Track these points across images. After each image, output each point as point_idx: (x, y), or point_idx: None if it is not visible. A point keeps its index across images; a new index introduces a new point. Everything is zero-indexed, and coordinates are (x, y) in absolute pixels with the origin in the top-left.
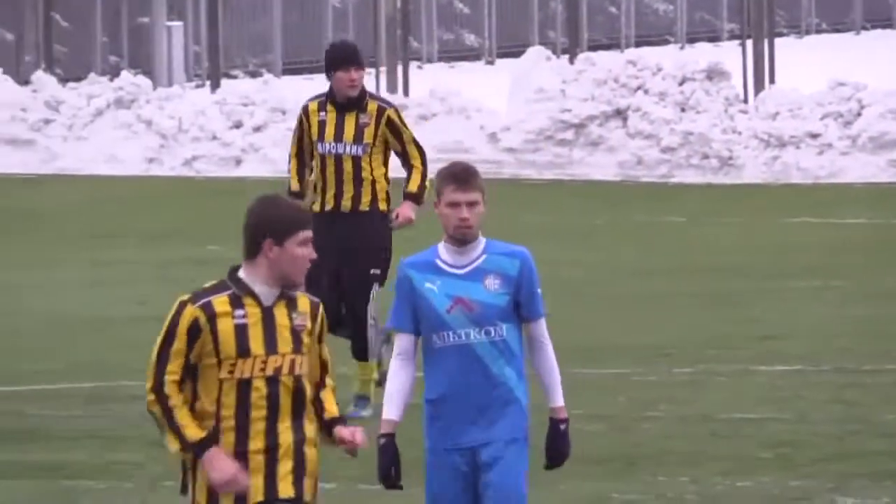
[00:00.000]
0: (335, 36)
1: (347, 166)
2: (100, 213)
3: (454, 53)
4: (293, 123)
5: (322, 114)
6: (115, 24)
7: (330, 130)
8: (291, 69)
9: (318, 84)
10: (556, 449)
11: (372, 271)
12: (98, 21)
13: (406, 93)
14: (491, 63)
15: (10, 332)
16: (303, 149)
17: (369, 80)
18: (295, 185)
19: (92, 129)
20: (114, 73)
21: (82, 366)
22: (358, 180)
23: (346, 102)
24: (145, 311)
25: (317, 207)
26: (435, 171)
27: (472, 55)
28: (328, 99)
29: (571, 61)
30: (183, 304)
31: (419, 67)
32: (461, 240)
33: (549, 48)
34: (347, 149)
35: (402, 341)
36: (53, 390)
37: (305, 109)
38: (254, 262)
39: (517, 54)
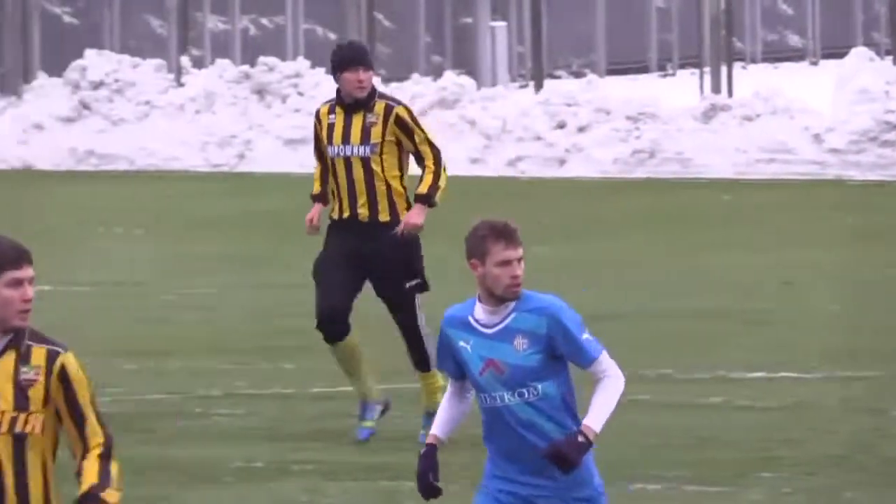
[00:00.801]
0: (659, 37)
1: (357, 168)
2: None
3: (778, 54)
4: (618, 124)
5: (331, 117)
6: (439, 24)
7: (338, 133)
8: (615, 69)
9: (642, 84)
10: (561, 445)
11: (408, 285)
12: (421, 21)
13: (730, 93)
14: (815, 64)
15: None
16: (323, 154)
17: (693, 80)
18: (317, 187)
19: None
20: (437, 73)
21: (406, 366)
22: (370, 184)
23: (353, 104)
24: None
25: (335, 214)
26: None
27: (795, 56)
28: (337, 101)
29: (895, 62)
30: None
31: (743, 68)
32: (510, 299)
33: (872, 49)
34: (355, 150)
35: (449, 384)
36: (378, 391)
37: (317, 113)
38: None
39: (840, 55)
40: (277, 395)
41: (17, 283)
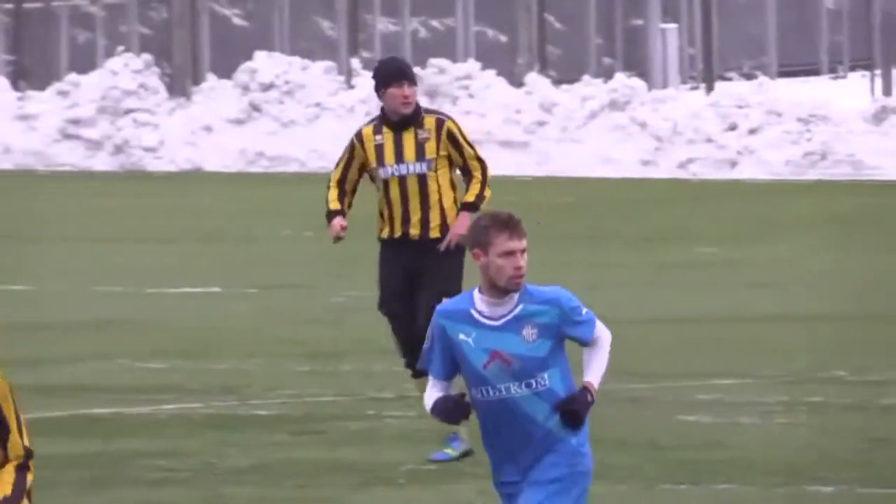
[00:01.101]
0: (830, 38)
1: (413, 187)
2: (593, 214)
3: None
4: (789, 126)
5: (378, 137)
6: (609, 25)
7: (389, 152)
8: (787, 71)
9: (813, 86)
10: (573, 401)
11: (444, 300)
12: (592, 23)
13: None
14: None
15: None
16: (346, 178)
17: (864, 82)
18: (335, 206)
19: (586, 131)
20: (608, 75)
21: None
22: (425, 202)
23: (400, 121)
24: (643, 313)
25: (385, 234)
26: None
27: None
28: (382, 121)
29: None
30: None
31: None
32: (513, 290)
33: None
34: (411, 168)
35: (434, 386)
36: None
37: (360, 135)
38: None
39: None
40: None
41: None
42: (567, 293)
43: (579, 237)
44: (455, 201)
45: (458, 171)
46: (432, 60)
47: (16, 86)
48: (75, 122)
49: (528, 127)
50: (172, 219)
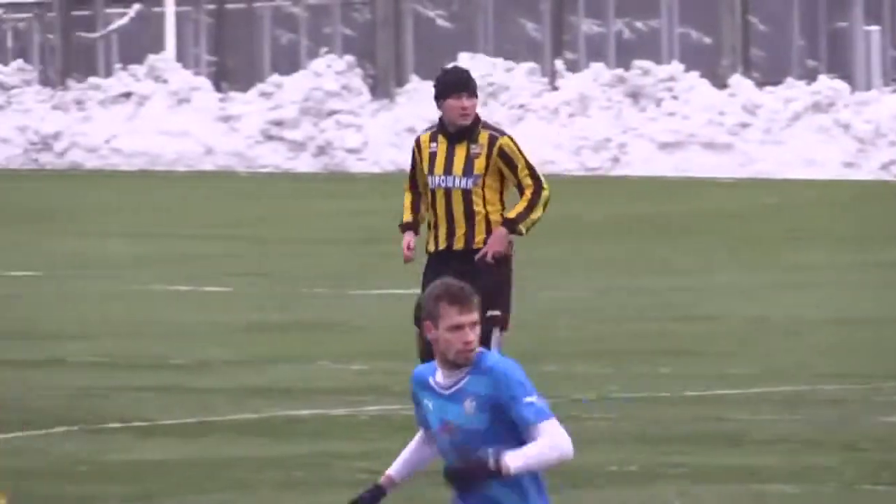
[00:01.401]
0: None
1: (457, 200)
2: (795, 216)
3: None
4: None
5: (433, 145)
6: (813, 27)
7: (440, 162)
8: None
9: None
10: (463, 465)
11: (489, 313)
12: (795, 24)
13: None
14: None
15: (713, 335)
16: (416, 182)
17: None
18: (407, 216)
19: (789, 133)
20: (811, 77)
21: (779, 369)
22: (470, 216)
23: (456, 133)
24: (845, 314)
25: (430, 247)
26: None
27: None
28: (439, 130)
29: None
30: None
31: None
32: (462, 364)
33: None
34: (456, 182)
35: (419, 435)
36: (751, 395)
37: (418, 141)
38: None
39: None
40: (651, 398)
41: None
42: (515, 369)
43: (782, 238)
44: (503, 216)
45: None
46: (636, 62)
47: (218, 87)
48: (278, 123)
49: (731, 129)
50: (375, 220)
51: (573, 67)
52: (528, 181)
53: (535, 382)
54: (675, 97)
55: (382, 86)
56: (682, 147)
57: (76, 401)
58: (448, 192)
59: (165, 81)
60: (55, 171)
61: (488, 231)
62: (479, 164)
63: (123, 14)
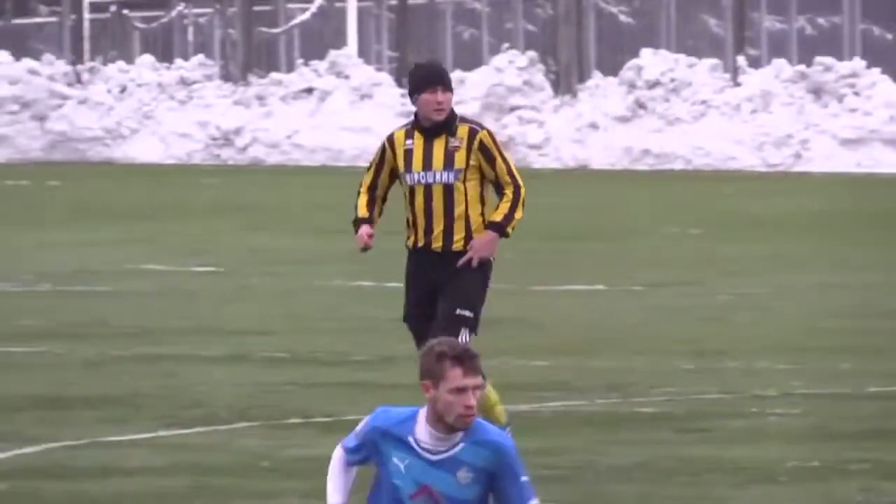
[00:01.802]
0: None
1: (438, 196)
2: None
3: None
4: None
5: (409, 142)
6: None
7: (417, 159)
8: None
9: None
10: None
11: (459, 311)
12: None
13: None
14: None
15: (895, 332)
16: (377, 184)
17: None
18: (363, 213)
19: None
20: None
21: None
22: (449, 213)
23: (432, 128)
24: None
25: (409, 243)
26: None
27: None
28: (414, 126)
29: None
30: None
31: None
32: (460, 429)
33: None
34: (437, 177)
35: (342, 455)
36: None
37: (391, 139)
38: None
39: None
40: (833, 394)
41: None
42: (512, 444)
43: None
44: (482, 216)
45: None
46: (818, 58)
47: (400, 83)
48: None
49: None
50: (557, 216)
51: (755, 63)
52: (507, 179)
53: (717, 378)
54: (856, 93)
55: (564, 82)
56: (864, 143)
57: (258, 396)
58: (428, 189)
59: (347, 77)
60: (236, 167)
61: (467, 231)
62: (460, 158)
63: (305, 9)
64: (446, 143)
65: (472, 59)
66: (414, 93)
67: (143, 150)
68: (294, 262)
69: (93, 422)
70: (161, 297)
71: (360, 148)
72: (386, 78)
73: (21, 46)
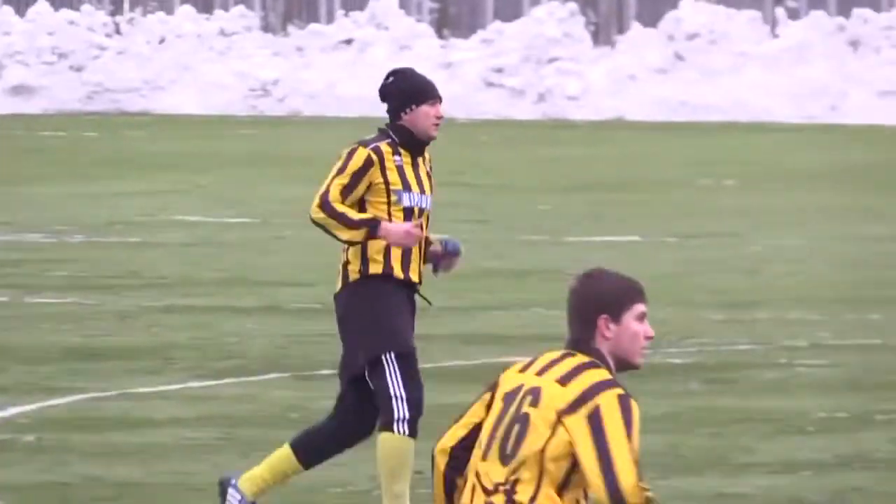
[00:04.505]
0: None
1: (426, 224)
2: None
3: None
4: None
5: (397, 158)
6: None
7: (412, 178)
8: None
9: None
10: None
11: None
12: None
13: None
14: None
15: None
16: (348, 194)
17: None
18: (364, 215)
19: None
20: None
21: None
22: (427, 243)
23: (420, 146)
24: None
25: (400, 273)
26: None
27: None
28: (402, 141)
29: None
30: None
31: None
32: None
33: None
34: (427, 202)
35: None
36: None
37: (379, 152)
38: None
39: None
40: (861, 345)
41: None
42: None
43: None
44: None
45: None
46: (856, 10)
47: (440, 34)
48: (498, 70)
49: None
50: (593, 167)
51: (794, 15)
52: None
53: (748, 329)
54: (894, 45)
55: (604, 33)
56: None
57: (289, 348)
58: (421, 213)
59: (387, 28)
60: (274, 118)
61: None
62: (432, 183)
63: None
64: (424, 164)
65: (512, 11)
66: (407, 105)
67: (181, 101)
68: None
69: (122, 373)
70: (194, 248)
71: None
72: (426, 29)
73: None
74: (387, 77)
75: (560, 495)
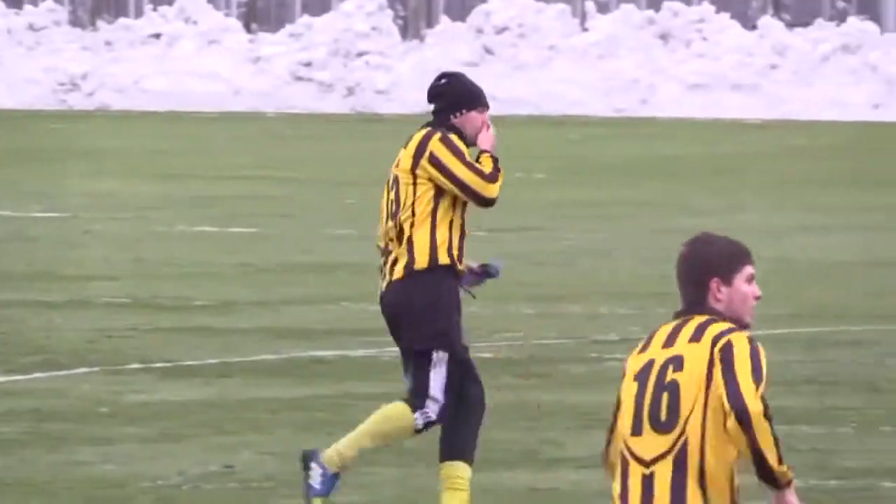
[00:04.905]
0: None
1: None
2: (825, 157)
3: None
4: None
5: None
6: None
7: None
8: None
9: None
10: None
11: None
12: None
13: None
14: None
15: None
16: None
17: None
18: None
19: (818, 74)
20: (840, 18)
21: (802, 310)
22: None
23: (467, 147)
24: (873, 256)
25: (453, 262)
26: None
27: None
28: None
29: None
30: None
31: None
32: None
33: None
34: None
35: None
36: (776, 335)
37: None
38: None
39: None
40: None
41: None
42: None
43: (811, 180)
44: None
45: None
46: (666, 3)
47: (248, 28)
48: (307, 64)
49: (760, 70)
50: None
51: (603, 9)
52: None
53: (558, 323)
54: (704, 38)
55: (412, 27)
56: (711, 88)
57: (98, 342)
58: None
59: (195, 22)
60: (83, 112)
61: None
62: None
63: None
64: None
65: (320, 5)
66: (458, 109)
67: None
68: (138, 207)
69: None
70: (2, 243)
71: (206, 93)
72: (234, 23)
73: None
74: (439, 78)
75: (725, 450)
